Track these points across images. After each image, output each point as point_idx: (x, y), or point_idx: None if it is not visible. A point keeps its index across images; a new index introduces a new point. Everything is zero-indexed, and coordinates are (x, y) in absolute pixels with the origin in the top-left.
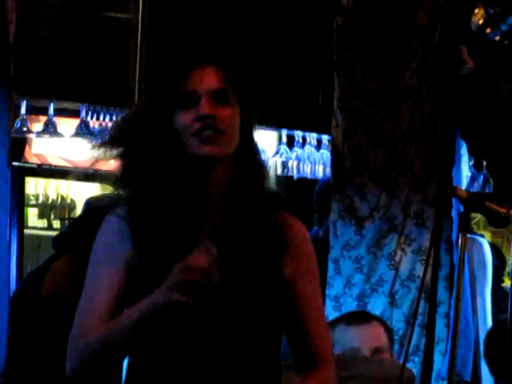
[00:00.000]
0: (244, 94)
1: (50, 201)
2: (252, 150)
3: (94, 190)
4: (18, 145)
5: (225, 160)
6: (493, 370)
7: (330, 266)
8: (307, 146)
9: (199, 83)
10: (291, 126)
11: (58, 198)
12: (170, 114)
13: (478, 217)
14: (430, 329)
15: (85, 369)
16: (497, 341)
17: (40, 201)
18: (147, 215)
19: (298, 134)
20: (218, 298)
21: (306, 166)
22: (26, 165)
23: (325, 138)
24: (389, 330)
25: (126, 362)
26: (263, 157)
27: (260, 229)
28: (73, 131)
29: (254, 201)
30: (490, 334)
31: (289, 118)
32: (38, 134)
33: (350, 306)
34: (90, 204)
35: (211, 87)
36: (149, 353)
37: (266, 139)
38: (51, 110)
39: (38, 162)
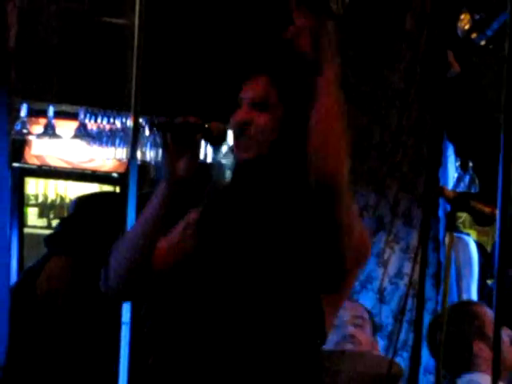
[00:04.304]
0: (289, 98)
1: (49, 201)
2: (292, 147)
3: (92, 190)
4: (18, 146)
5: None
6: (434, 354)
7: None
8: None
9: (244, 92)
10: None
11: (57, 198)
12: None
13: (464, 216)
14: (417, 324)
15: (115, 275)
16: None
17: (39, 201)
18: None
19: None
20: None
21: None
22: (25, 166)
23: None
24: (368, 311)
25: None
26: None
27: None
28: (71, 133)
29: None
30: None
31: None
32: (38, 135)
33: None
34: (79, 203)
35: (250, 95)
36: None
37: None
38: (51, 113)
39: (38, 163)
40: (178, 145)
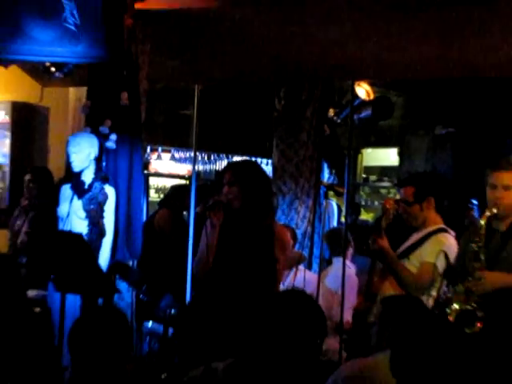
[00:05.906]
0: (245, 182)
1: (159, 187)
2: (252, 201)
3: (176, 182)
4: (146, 164)
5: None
6: (330, 247)
7: None
8: (263, 164)
9: (224, 178)
10: (257, 155)
11: (162, 186)
12: None
13: (331, 192)
14: (311, 238)
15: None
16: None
17: (155, 187)
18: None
19: (258, 159)
20: (240, 266)
21: None
22: (149, 172)
23: (270, 161)
24: (293, 231)
25: None
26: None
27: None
28: (169, 158)
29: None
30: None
31: (255, 152)
32: (154, 160)
33: None
34: (174, 187)
35: (226, 179)
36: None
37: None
38: (160, 150)
39: (154, 171)
40: (214, 211)
